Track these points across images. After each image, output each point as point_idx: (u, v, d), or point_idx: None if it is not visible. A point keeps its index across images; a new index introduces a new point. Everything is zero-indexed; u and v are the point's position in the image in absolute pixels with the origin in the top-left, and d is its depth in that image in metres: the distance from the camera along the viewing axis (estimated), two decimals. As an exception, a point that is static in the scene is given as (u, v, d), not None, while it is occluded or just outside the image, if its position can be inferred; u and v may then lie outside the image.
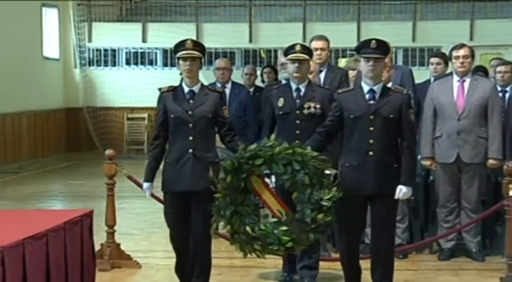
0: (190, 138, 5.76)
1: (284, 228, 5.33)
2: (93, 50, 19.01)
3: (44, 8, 17.77)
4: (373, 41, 5.57)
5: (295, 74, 6.40)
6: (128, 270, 7.12)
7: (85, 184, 13.54)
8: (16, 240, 4.69)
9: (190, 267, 5.86)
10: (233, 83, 8.92)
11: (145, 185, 6.00)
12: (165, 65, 18.70)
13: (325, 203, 5.30)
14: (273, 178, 5.79)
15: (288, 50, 6.46)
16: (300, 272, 6.49)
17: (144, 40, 18.44)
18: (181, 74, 5.95)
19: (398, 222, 7.71)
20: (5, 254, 4.50)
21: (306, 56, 6.41)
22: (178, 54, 5.83)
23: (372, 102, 5.58)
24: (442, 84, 7.71)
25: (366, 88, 5.62)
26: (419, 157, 7.78)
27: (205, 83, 8.89)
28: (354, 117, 5.57)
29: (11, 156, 15.84)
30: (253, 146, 5.45)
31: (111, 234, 7.25)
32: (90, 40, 18.93)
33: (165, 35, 18.25)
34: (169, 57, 18.51)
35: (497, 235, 7.86)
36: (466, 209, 7.55)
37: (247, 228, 5.31)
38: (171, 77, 17.83)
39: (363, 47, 5.62)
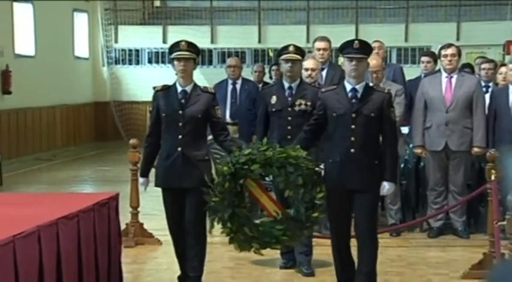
0: (180, 137, 5.34)
1: (280, 227, 5.03)
2: (119, 50, 19.03)
3: (75, 13, 17.79)
4: (356, 42, 5.19)
5: (288, 73, 6.13)
6: (150, 247, 7.14)
7: (112, 170, 13.57)
8: (51, 220, 4.70)
9: (185, 254, 5.52)
10: (243, 79, 8.93)
11: (141, 180, 5.71)
12: (183, 63, 18.66)
13: (318, 202, 5.03)
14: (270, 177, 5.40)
15: (282, 51, 6.18)
16: (297, 258, 6.28)
17: (164, 41, 18.42)
18: (176, 73, 5.48)
19: (392, 204, 7.74)
20: (41, 232, 4.51)
21: (299, 56, 6.16)
22: (172, 55, 5.42)
23: (354, 101, 5.13)
24: (432, 80, 7.70)
25: (348, 87, 5.18)
26: (411, 145, 7.81)
27: (216, 81, 9.04)
28: (337, 115, 5.14)
29: (46, 145, 15.89)
30: (247, 151, 5.07)
31: (135, 214, 7.27)
32: (116, 41, 18.95)
33: (183, 36, 17.86)
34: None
35: (481, 215, 7.86)
36: (453, 192, 7.55)
37: (246, 229, 5.00)
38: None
39: (346, 47, 5.20)
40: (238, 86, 8.75)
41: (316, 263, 6.26)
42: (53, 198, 6.17)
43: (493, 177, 6.07)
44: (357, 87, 5.16)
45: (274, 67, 11.16)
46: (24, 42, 15.27)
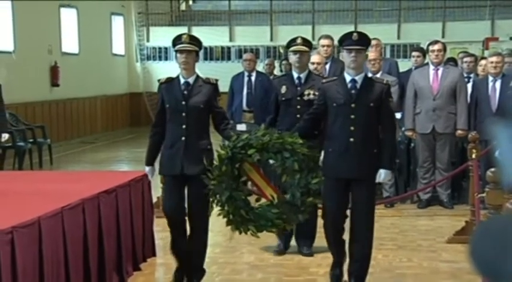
0: (184, 126, 4.74)
1: (276, 210, 4.54)
2: (150, 48, 19.02)
3: (112, 16, 17.76)
4: (355, 34, 4.61)
5: (296, 64, 5.62)
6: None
7: (144, 151, 13.37)
8: (93, 194, 4.73)
9: (187, 247, 4.90)
10: (257, 72, 8.91)
11: (147, 168, 5.07)
12: (205, 59, 18.60)
13: (313, 187, 4.54)
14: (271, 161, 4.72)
15: (290, 43, 5.66)
16: (298, 241, 5.81)
17: (189, 40, 18.38)
18: (179, 66, 4.88)
19: (386, 179, 7.71)
20: (85, 204, 4.54)
21: (306, 48, 5.64)
22: (175, 48, 4.80)
23: (353, 91, 4.59)
24: (421, 72, 7.66)
25: (348, 78, 4.63)
26: (403, 129, 7.78)
27: (234, 74, 9.03)
28: (337, 105, 4.60)
29: (89, 130, 15.93)
30: (245, 136, 4.58)
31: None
32: (148, 40, 18.93)
33: (205, 36, 17.93)
34: (209, 53, 18.50)
35: (463, 188, 7.82)
36: (440, 169, 7.52)
37: (242, 212, 4.51)
38: (211, 68, 17.83)
39: (345, 40, 4.61)
40: (253, 78, 8.73)
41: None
42: (95, 176, 6.20)
43: (474, 156, 6.04)
44: (356, 78, 4.62)
45: (284, 62, 11.12)
46: (70, 42, 15.28)
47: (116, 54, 18.02)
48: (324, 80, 4.96)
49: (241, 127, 8.21)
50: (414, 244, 6.14)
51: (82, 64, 15.50)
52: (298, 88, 5.62)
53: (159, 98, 4.95)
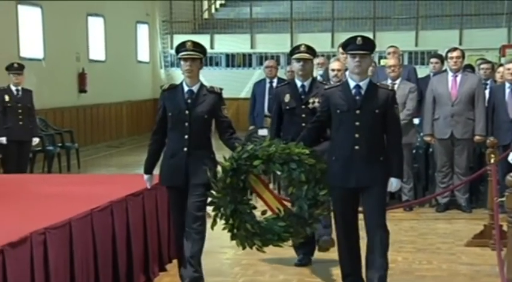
0: (186, 136, 4.50)
1: (283, 224, 4.34)
2: (174, 55, 19.04)
3: (138, 24, 17.86)
4: (359, 38, 4.31)
5: (300, 72, 5.32)
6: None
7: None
8: (121, 196, 4.76)
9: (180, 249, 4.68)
10: (279, 78, 8.93)
11: (146, 176, 4.80)
12: (227, 66, 18.72)
13: (321, 199, 4.35)
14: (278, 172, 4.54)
15: (294, 50, 5.36)
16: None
17: (211, 47, 18.43)
18: (183, 73, 4.58)
19: (405, 183, 7.63)
20: (113, 207, 4.57)
21: (310, 56, 5.32)
22: (179, 55, 4.53)
23: (357, 97, 4.33)
24: (439, 78, 7.63)
25: (352, 84, 4.37)
26: (422, 134, 7.75)
27: (255, 80, 9.03)
28: (341, 112, 4.35)
29: (115, 135, 16.03)
30: (250, 147, 4.36)
31: (189, 192, 7.26)
32: (171, 48, 18.98)
33: (227, 43, 18.30)
34: (231, 60, 18.59)
35: (481, 193, 7.79)
36: (458, 173, 7.48)
37: (248, 226, 4.29)
38: (232, 75, 17.96)
39: (349, 44, 4.34)
40: (274, 84, 8.72)
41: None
42: (122, 179, 6.25)
43: (492, 161, 5.99)
44: (360, 83, 4.36)
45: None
46: (97, 50, 15.40)
47: (140, 61, 18.11)
48: (326, 86, 4.73)
49: (262, 132, 8.24)
50: (433, 247, 6.11)
51: (108, 71, 15.61)
52: (302, 96, 5.33)
53: (160, 106, 4.65)
